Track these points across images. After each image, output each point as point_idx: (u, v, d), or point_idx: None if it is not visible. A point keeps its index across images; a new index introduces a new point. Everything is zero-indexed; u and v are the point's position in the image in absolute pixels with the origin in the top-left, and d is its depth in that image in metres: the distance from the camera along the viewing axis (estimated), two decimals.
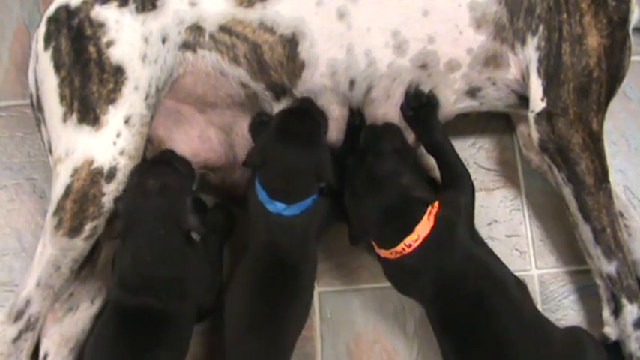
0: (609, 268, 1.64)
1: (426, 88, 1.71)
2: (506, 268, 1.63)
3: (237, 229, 1.82)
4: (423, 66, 1.70)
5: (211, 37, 1.71)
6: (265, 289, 1.63)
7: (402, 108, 1.72)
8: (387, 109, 1.73)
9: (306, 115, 1.69)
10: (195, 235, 1.66)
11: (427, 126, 1.70)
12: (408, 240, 1.55)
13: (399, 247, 1.56)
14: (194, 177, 1.72)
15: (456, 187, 1.66)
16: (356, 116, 1.74)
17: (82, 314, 1.76)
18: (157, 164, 1.67)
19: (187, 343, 1.66)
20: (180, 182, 1.66)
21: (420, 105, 1.70)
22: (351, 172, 1.64)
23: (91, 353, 1.63)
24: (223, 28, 1.71)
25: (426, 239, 1.55)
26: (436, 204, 1.58)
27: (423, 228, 1.55)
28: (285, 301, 1.63)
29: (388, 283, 1.67)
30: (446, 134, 1.71)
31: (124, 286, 1.62)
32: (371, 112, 1.74)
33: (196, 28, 1.72)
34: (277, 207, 1.63)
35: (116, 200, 1.62)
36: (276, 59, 1.71)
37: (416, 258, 1.56)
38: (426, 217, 1.56)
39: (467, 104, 1.76)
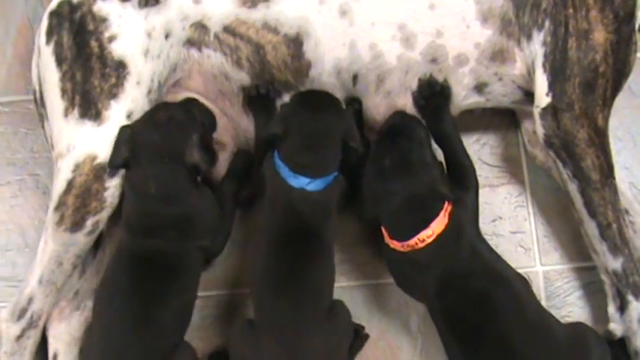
0: (615, 264, 1.63)
1: None
2: (509, 265, 1.62)
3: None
4: (433, 60, 1.70)
5: (216, 37, 1.71)
6: (288, 251, 1.61)
7: (414, 96, 1.71)
8: (406, 101, 1.73)
9: (322, 91, 1.70)
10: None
11: (438, 116, 1.69)
12: (423, 235, 1.55)
13: (412, 241, 1.55)
14: (212, 122, 1.74)
15: (461, 181, 1.65)
16: (354, 103, 1.73)
17: (89, 313, 1.74)
18: (177, 102, 1.69)
19: (196, 289, 1.66)
20: (190, 118, 1.65)
21: (432, 94, 1.69)
22: (378, 151, 1.62)
23: (102, 302, 1.63)
24: (227, 29, 1.71)
25: (439, 236, 1.55)
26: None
27: (438, 225, 1.55)
28: (309, 260, 1.61)
29: (392, 280, 1.66)
30: (456, 126, 1.70)
31: (130, 228, 1.62)
32: (389, 104, 1.73)
33: (201, 26, 1.71)
34: (301, 181, 1.61)
35: (124, 126, 1.62)
36: (280, 59, 1.70)
37: (426, 254, 1.55)
38: (442, 213, 1.56)
39: (474, 100, 1.76)
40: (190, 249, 1.63)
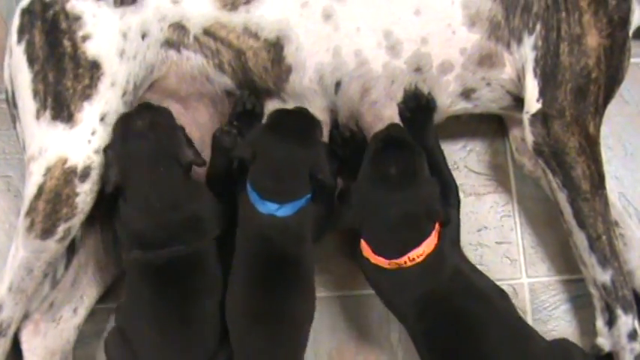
0: (604, 277, 1.62)
1: None
2: (488, 279, 1.59)
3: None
4: (418, 69, 1.68)
5: (196, 39, 1.69)
6: (265, 282, 1.58)
7: (399, 107, 1.68)
8: (393, 111, 1.69)
9: (301, 113, 1.66)
10: None
11: (422, 129, 1.65)
12: (413, 254, 1.50)
13: (401, 259, 1.51)
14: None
15: (445, 198, 1.60)
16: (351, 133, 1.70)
17: (66, 325, 1.73)
18: (137, 109, 1.64)
19: (221, 282, 1.63)
20: (168, 118, 1.63)
21: (418, 106, 1.66)
22: (382, 158, 1.56)
23: (132, 326, 1.61)
24: (207, 32, 1.68)
25: (427, 256, 1.51)
26: None
27: (429, 245, 1.51)
28: (287, 291, 1.58)
29: (373, 291, 1.64)
30: (438, 140, 1.67)
31: (144, 245, 1.58)
32: (376, 114, 1.70)
33: (180, 27, 1.69)
34: (269, 207, 1.57)
35: (105, 149, 1.59)
36: (260, 65, 1.68)
37: (412, 274, 1.51)
38: (434, 233, 1.52)
39: (461, 106, 1.74)
40: (206, 245, 1.61)
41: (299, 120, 1.64)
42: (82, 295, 1.75)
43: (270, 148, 1.58)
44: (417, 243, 1.50)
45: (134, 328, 1.61)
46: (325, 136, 1.71)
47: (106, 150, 1.59)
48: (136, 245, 1.59)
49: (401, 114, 1.67)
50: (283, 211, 1.57)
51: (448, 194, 1.60)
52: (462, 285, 1.54)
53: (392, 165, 1.54)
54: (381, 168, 1.55)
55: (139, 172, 1.57)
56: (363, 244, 1.56)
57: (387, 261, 1.52)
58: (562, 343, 1.61)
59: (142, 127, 1.58)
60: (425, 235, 1.51)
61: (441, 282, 1.53)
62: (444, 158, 1.66)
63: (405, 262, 1.50)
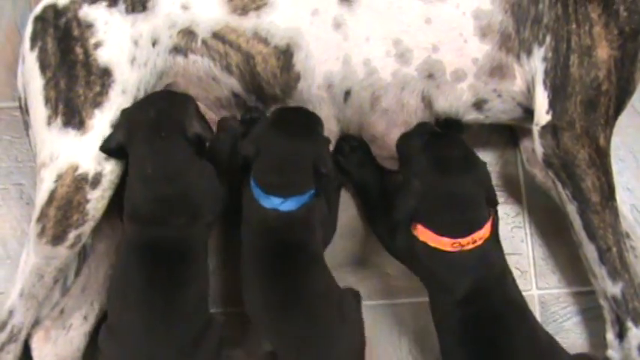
0: (614, 289, 1.61)
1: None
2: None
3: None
4: (430, 76, 1.68)
5: (204, 42, 1.69)
6: (277, 271, 1.58)
7: (436, 119, 1.71)
8: (406, 117, 1.70)
9: (302, 110, 1.67)
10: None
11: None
12: (476, 235, 1.53)
13: (465, 240, 1.53)
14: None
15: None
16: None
17: (76, 332, 1.73)
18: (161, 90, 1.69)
19: (207, 269, 1.64)
20: (184, 95, 1.66)
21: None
22: (436, 144, 1.60)
23: (118, 300, 1.60)
24: (216, 35, 1.69)
25: (485, 241, 1.53)
26: None
27: (486, 229, 1.54)
28: (300, 273, 1.58)
29: (383, 301, 1.66)
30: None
31: (136, 218, 1.58)
32: (389, 122, 1.71)
33: (189, 33, 1.69)
34: (273, 202, 1.57)
35: (122, 111, 1.61)
36: (269, 71, 1.68)
37: (471, 258, 1.53)
38: (490, 219, 1.55)
39: (473, 117, 1.74)
40: (199, 230, 1.61)
41: (301, 116, 1.65)
42: (93, 301, 1.75)
43: (273, 143, 1.59)
44: (481, 224, 1.53)
45: (121, 310, 1.59)
46: (332, 146, 1.71)
47: (123, 111, 1.60)
48: (132, 219, 1.59)
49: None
50: (287, 205, 1.57)
51: (495, 223, 1.62)
52: (503, 283, 1.57)
53: (453, 149, 1.58)
54: (441, 154, 1.58)
55: (141, 136, 1.57)
56: (420, 229, 1.56)
57: (452, 241, 1.53)
58: (583, 358, 1.64)
59: (155, 96, 1.63)
60: (485, 218, 1.54)
61: (493, 271, 1.55)
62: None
63: (468, 244, 1.52)
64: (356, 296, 1.66)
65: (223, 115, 1.75)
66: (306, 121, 1.64)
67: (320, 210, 1.63)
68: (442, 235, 1.54)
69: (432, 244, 1.55)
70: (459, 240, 1.52)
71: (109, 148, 1.58)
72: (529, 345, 1.53)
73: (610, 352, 1.65)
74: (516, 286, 1.60)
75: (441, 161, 1.57)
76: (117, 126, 1.59)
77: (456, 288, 1.55)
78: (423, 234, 1.56)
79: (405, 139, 1.65)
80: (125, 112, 1.60)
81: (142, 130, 1.57)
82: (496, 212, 1.64)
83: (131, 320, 1.57)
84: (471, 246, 1.52)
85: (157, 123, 1.57)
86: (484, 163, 1.59)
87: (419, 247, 1.57)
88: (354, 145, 1.73)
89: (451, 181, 1.55)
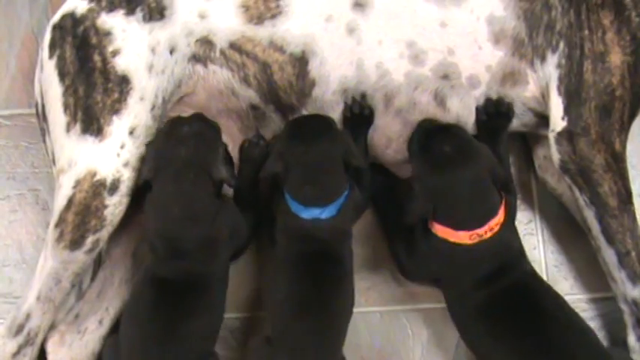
0: (634, 292, 1.61)
1: (450, 101, 1.69)
2: None
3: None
4: (445, 77, 1.68)
5: (222, 53, 1.70)
6: (309, 278, 1.59)
7: (477, 109, 1.69)
8: (419, 116, 1.69)
9: (313, 115, 1.68)
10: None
11: (496, 135, 1.69)
12: (492, 223, 1.54)
13: (482, 230, 1.54)
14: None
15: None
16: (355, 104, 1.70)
17: (91, 336, 1.74)
18: (189, 117, 1.65)
19: (223, 306, 1.64)
20: (214, 132, 1.63)
21: (497, 112, 1.68)
22: (432, 143, 1.59)
23: (126, 327, 1.61)
24: (233, 46, 1.69)
25: (501, 227, 1.55)
26: None
27: (501, 213, 1.55)
28: (331, 285, 1.59)
29: (395, 307, 1.65)
30: (507, 151, 1.72)
31: (154, 251, 1.59)
32: (402, 121, 1.70)
33: (207, 42, 1.70)
34: (313, 212, 1.58)
35: (147, 144, 1.61)
36: (285, 79, 1.69)
37: (489, 246, 1.55)
38: (502, 202, 1.56)
39: None
40: (218, 265, 1.62)
41: (315, 121, 1.65)
42: (108, 306, 1.76)
43: (300, 155, 1.59)
44: (494, 211, 1.54)
45: (125, 335, 1.60)
46: None
47: (148, 144, 1.61)
48: (150, 251, 1.60)
49: (477, 116, 1.69)
50: (327, 212, 1.58)
51: (508, 205, 1.62)
52: (528, 266, 1.60)
53: (443, 146, 1.57)
54: (434, 153, 1.58)
55: (169, 175, 1.57)
56: (438, 227, 1.57)
57: (470, 233, 1.54)
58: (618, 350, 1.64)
59: (187, 134, 1.59)
60: (498, 203, 1.55)
61: (512, 252, 1.58)
62: (510, 169, 1.71)
63: (486, 232, 1.53)
64: None
65: (239, 126, 1.76)
66: (319, 124, 1.64)
67: (353, 204, 1.63)
68: (459, 229, 1.55)
69: (452, 239, 1.56)
70: (476, 231, 1.54)
71: (138, 186, 1.60)
72: (559, 308, 1.56)
73: (634, 356, 1.64)
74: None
75: (435, 159, 1.57)
76: (145, 161, 1.60)
77: (479, 276, 1.57)
78: (442, 231, 1.57)
79: (408, 143, 1.66)
80: (153, 147, 1.60)
81: (171, 169, 1.57)
82: (510, 192, 1.64)
83: (133, 338, 1.58)
84: (489, 234, 1.54)
85: (186, 163, 1.57)
86: (484, 148, 1.59)
87: (440, 245, 1.57)
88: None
89: (450, 177, 1.55)
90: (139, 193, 1.63)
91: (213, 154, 1.60)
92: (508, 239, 1.58)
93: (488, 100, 1.68)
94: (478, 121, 1.69)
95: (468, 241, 1.55)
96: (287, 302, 1.59)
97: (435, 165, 1.57)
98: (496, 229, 1.54)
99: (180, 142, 1.58)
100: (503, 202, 1.57)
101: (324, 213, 1.58)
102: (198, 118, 1.64)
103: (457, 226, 1.56)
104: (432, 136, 1.60)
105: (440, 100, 1.68)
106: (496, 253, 1.56)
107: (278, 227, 1.64)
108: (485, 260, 1.56)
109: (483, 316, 1.57)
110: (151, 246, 1.60)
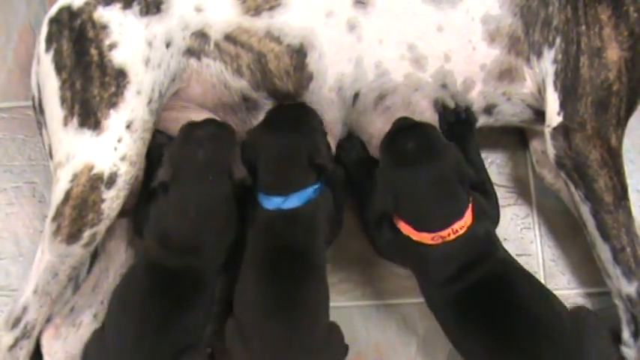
0: (629, 288, 1.60)
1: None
2: None
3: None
4: (444, 86, 1.68)
5: (216, 45, 1.70)
6: (275, 274, 1.59)
7: (439, 119, 1.69)
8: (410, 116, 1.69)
9: (296, 105, 1.68)
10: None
11: (462, 142, 1.66)
12: (456, 226, 1.51)
13: (444, 232, 1.51)
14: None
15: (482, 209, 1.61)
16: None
17: (86, 330, 1.73)
18: (203, 120, 1.67)
19: (214, 302, 1.66)
20: (228, 133, 1.65)
21: (456, 120, 1.67)
22: (396, 140, 1.58)
23: (117, 305, 1.62)
24: (229, 38, 1.69)
25: (468, 228, 1.52)
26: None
27: (467, 216, 1.52)
28: (298, 281, 1.58)
29: (392, 301, 1.65)
30: (480, 153, 1.69)
31: (166, 245, 1.60)
32: (386, 119, 1.70)
33: (201, 35, 1.69)
34: (275, 202, 1.59)
35: (164, 147, 1.63)
36: (282, 68, 1.69)
37: (456, 247, 1.51)
38: (470, 205, 1.53)
39: (483, 121, 1.74)
40: (215, 256, 1.63)
41: (292, 111, 1.66)
42: (103, 300, 1.76)
43: (267, 144, 1.60)
44: (459, 214, 1.51)
45: (116, 315, 1.61)
46: (332, 148, 1.72)
47: (165, 148, 1.62)
48: (161, 243, 1.60)
49: (440, 126, 1.68)
50: (289, 202, 1.58)
51: (489, 205, 1.62)
52: (502, 256, 1.57)
53: (407, 142, 1.55)
54: (397, 148, 1.56)
55: (188, 177, 1.58)
56: (402, 224, 1.55)
57: (431, 235, 1.52)
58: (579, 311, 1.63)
59: (202, 137, 1.60)
60: (464, 205, 1.52)
61: (480, 250, 1.54)
62: (486, 171, 1.67)
63: (449, 235, 1.50)
64: (342, 336, 1.64)
65: (235, 120, 1.76)
66: (297, 115, 1.65)
67: (326, 206, 1.63)
68: (420, 230, 1.53)
69: (415, 238, 1.54)
70: (439, 233, 1.51)
71: (152, 188, 1.61)
72: (534, 292, 1.54)
73: (625, 350, 1.64)
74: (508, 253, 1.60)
75: (397, 154, 1.56)
76: (163, 164, 1.61)
77: (444, 275, 1.54)
78: (405, 229, 1.55)
79: (384, 137, 1.63)
80: (168, 150, 1.62)
81: (189, 172, 1.59)
82: (486, 193, 1.62)
83: (121, 328, 1.59)
84: (452, 236, 1.51)
85: (205, 166, 1.59)
86: (451, 147, 1.56)
87: (405, 241, 1.55)
88: (355, 141, 1.73)
89: (410, 173, 1.53)
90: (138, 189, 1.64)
91: (231, 154, 1.61)
92: (475, 241, 1.54)
93: (446, 109, 1.68)
94: (441, 127, 1.67)
95: (430, 242, 1.52)
96: (256, 303, 1.58)
97: (396, 160, 1.56)
98: (461, 231, 1.51)
99: (198, 144, 1.59)
100: (472, 205, 1.53)
101: (287, 203, 1.58)
102: (211, 122, 1.66)
103: (419, 227, 1.53)
104: (399, 133, 1.59)
105: (439, 107, 1.70)
106: (460, 255, 1.52)
107: (247, 224, 1.64)
108: (452, 260, 1.53)
109: (454, 312, 1.55)
110: (163, 240, 1.60)
